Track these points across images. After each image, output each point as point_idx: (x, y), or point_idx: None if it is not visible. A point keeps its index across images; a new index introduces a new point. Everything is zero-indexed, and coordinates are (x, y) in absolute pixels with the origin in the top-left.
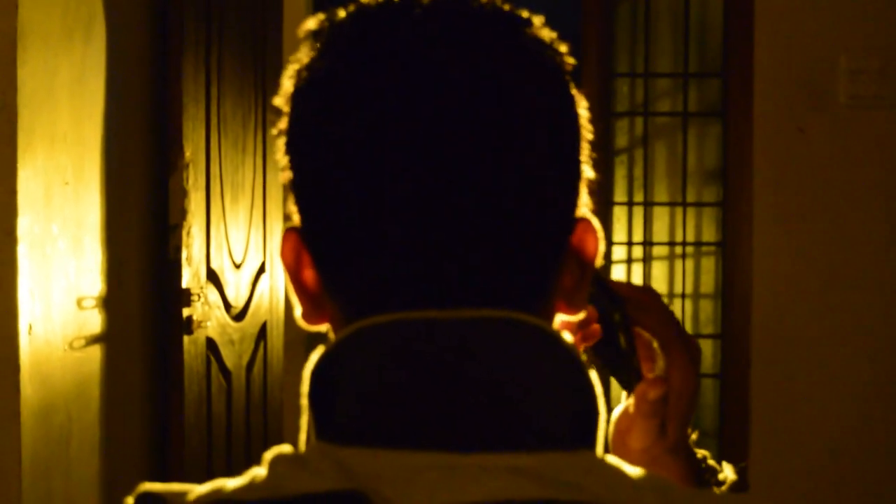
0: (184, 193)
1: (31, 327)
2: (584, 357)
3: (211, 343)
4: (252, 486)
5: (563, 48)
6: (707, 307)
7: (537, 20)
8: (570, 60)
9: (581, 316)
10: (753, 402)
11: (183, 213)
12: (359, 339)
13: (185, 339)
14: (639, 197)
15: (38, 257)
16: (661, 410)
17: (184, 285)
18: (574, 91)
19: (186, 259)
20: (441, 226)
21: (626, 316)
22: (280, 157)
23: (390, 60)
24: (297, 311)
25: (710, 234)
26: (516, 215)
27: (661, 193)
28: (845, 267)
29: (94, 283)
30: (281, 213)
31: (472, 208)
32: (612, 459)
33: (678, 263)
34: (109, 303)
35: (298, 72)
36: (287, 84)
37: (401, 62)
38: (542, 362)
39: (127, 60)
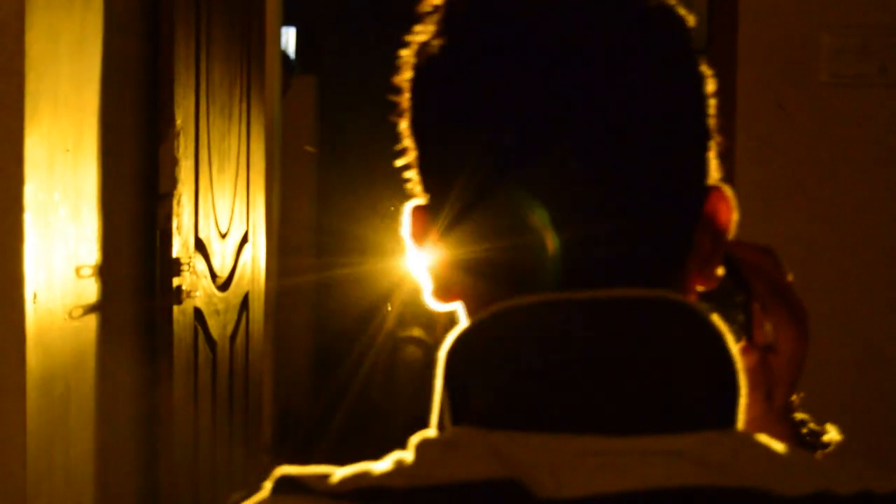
0: (174, 162)
1: (35, 296)
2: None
3: (198, 313)
4: (400, 471)
5: (691, 20)
6: None
7: None
8: (693, 28)
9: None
10: None
11: (174, 182)
12: (501, 321)
13: (175, 308)
14: None
15: (42, 225)
16: (763, 379)
17: (174, 254)
18: (700, 60)
19: (177, 228)
20: (580, 203)
21: (750, 296)
22: (403, 134)
23: (521, 34)
24: (426, 289)
25: None
26: (655, 187)
27: None
28: (825, 242)
29: (91, 251)
30: (263, 183)
31: (611, 183)
32: (761, 437)
33: None
34: (104, 271)
35: (422, 49)
36: (410, 61)
37: (531, 35)
38: (691, 341)
39: (122, 25)
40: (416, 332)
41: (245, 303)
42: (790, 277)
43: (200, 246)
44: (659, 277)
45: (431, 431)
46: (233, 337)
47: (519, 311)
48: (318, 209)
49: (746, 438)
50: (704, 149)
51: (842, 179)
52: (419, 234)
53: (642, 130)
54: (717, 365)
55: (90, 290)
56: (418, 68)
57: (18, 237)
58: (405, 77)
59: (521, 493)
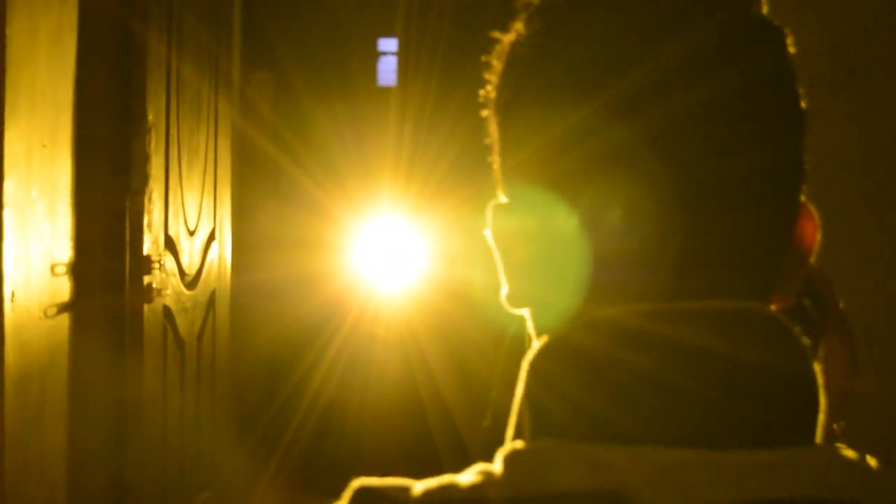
0: (146, 158)
1: (13, 295)
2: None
3: (167, 311)
4: (491, 483)
5: (787, 32)
6: None
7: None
8: (791, 43)
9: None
10: None
11: (145, 179)
12: (594, 331)
13: (145, 307)
14: None
15: (20, 222)
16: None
17: (144, 252)
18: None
19: (147, 225)
20: (686, 215)
21: (826, 318)
22: (489, 130)
23: (627, 27)
24: (504, 291)
25: None
26: (760, 205)
27: None
28: None
29: (64, 248)
30: (230, 180)
31: (722, 198)
32: (850, 452)
33: None
34: (77, 269)
35: (517, 43)
36: (503, 54)
37: (641, 32)
38: (782, 355)
39: (97, 21)
40: (377, 330)
41: (211, 301)
42: (841, 304)
43: (170, 243)
44: (752, 291)
45: (519, 443)
46: (200, 335)
47: (612, 321)
48: (278, 205)
49: (836, 453)
50: (801, 169)
51: (811, 181)
52: (501, 235)
53: (756, 149)
54: (803, 382)
55: (63, 288)
56: (518, 65)
57: None
58: (495, 69)
59: None
